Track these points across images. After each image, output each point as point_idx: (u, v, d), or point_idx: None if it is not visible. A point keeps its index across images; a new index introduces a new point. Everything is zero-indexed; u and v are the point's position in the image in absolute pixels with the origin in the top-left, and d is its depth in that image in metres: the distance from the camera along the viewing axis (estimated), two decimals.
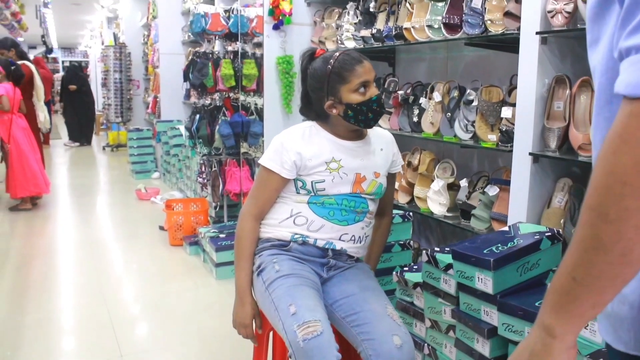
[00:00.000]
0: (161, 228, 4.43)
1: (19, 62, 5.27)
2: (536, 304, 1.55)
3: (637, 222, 0.60)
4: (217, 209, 4.09)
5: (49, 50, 13.86)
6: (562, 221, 1.96)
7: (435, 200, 2.49)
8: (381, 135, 1.83)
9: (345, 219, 1.71)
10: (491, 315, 1.66)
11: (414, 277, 2.04)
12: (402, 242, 2.41)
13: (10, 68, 4.89)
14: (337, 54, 1.64)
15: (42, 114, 5.38)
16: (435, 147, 2.82)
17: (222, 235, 3.53)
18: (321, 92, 1.65)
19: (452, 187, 2.54)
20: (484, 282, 1.64)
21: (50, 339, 2.60)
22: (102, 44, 11.05)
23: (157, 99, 6.78)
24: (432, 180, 2.55)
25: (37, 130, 5.56)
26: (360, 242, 1.76)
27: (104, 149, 9.28)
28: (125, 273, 3.54)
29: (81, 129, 9.92)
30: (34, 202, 5.19)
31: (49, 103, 9.94)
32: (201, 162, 4.07)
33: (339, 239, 1.71)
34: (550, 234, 1.72)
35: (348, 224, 1.71)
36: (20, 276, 3.44)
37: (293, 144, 1.68)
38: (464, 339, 1.76)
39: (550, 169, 2.05)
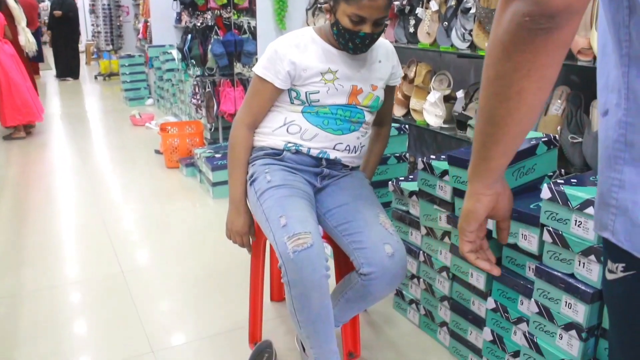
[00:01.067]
0: (157, 152, 4.42)
1: None
2: (531, 206, 1.56)
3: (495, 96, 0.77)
4: (212, 130, 4.06)
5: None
6: (558, 128, 1.94)
7: (431, 112, 2.46)
8: (381, 46, 1.75)
9: (340, 128, 1.68)
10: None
11: (409, 186, 2.04)
12: (398, 155, 2.41)
13: None
14: None
15: (23, 37, 5.20)
16: (431, 59, 2.76)
17: (217, 155, 3.52)
18: None
19: (449, 100, 2.51)
20: None
21: (51, 258, 2.64)
22: None
23: (148, 24, 6.59)
24: (428, 93, 2.51)
25: (26, 58, 5.43)
26: (355, 152, 1.74)
27: (95, 78, 9.11)
28: (123, 196, 3.56)
29: (68, 63, 9.51)
30: (27, 130, 5.14)
31: (36, 33, 9.65)
32: (195, 83, 4.00)
33: (333, 148, 1.70)
34: (546, 139, 1.71)
35: (343, 133, 1.69)
36: (18, 202, 3.46)
37: (287, 52, 1.63)
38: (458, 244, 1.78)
39: None
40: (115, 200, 3.46)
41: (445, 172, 1.80)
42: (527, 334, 1.52)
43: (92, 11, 8.79)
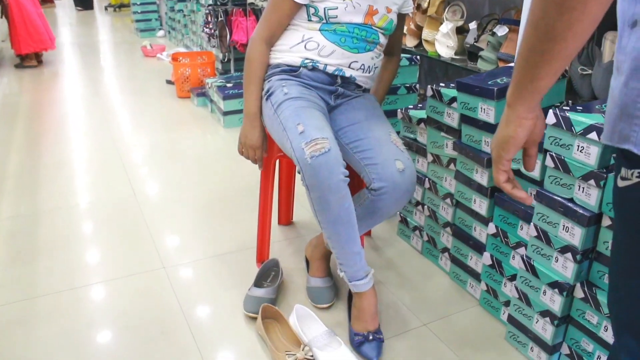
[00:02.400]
0: (168, 82, 4.42)
1: None
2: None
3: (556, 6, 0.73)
4: (224, 61, 4.04)
5: None
6: None
7: (443, 43, 2.43)
8: None
9: (356, 47, 1.70)
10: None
11: (418, 114, 2.06)
12: (408, 85, 2.41)
13: None
14: None
15: None
16: None
17: (229, 85, 3.52)
18: None
19: (461, 32, 2.48)
20: (487, 112, 1.66)
21: (65, 181, 2.70)
22: None
23: None
24: (441, 23, 2.48)
25: None
26: (369, 72, 1.77)
27: (105, 9, 8.99)
28: (135, 124, 3.59)
29: None
30: (39, 59, 5.14)
31: None
32: (207, 12, 3.95)
33: (349, 67, 1.71)
34: None
35: (358, 51, 1.71)
36: (32, 127, 3.51)
37: None
38: (464, 171, 1.81)
39: None
40: (127, 128, 3.50)
41: (453, 99, 1.81)
42: (524, 258, 1.57)
43: None
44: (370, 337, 1.61)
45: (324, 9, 1.65)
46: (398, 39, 1.95)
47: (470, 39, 2.36)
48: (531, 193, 1.60)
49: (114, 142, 3.21)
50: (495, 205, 1.71)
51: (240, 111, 3.40)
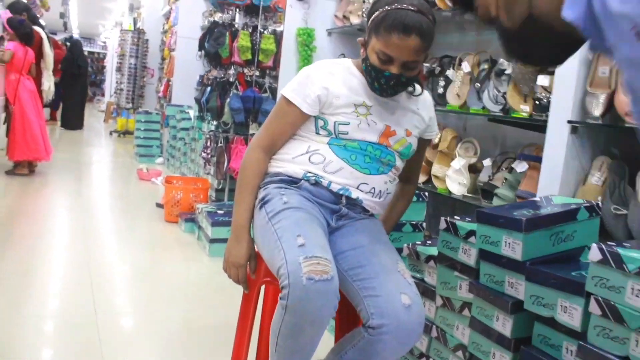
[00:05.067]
0: (158, 205, 4.23)
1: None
2: (572, 274, 1.33)
3: None
4: (219, 189, 3.89)
5: (70, 38, 13.83)
6: (599, 199, 1.74)
7: (454, 179, 2.27)
8: (420, 96, 1.63)
9: (367, 167, 1.50)
10: (517, 287, 1.43)
11: (427, 250, 1.82)
12: (414, 223, 2.20)
13: (18, 26, 4.75)
14: (399, 5, 1.37)
15: (47, 82, 5.23)
16: (457, 127, 2.61)
17: (220, 212, 3.32)
18: (366, 22, 1.49)
19: (474, 171, 2.33)
20: (512, 246, 1.42)
21: (27, 289, 2.39)
22: (121, 29, 10.97)
23: (170, 83, 6.63)
24: (452, 159, 2.34)
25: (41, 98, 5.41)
26: (379, 197, 1.55)
27: (110, 134, 9.13)
28: (114, 242, 3.33)
29: (74, 114, 9.61)
30: (31, 168, 5.01)
31: (57, 83, 9.84)
32: (207, 137, 3.88)
33: (357, 188, 1.50)
34: (588, 205, 1.51)
35: (370, 173, 1.50)
36: (3, 231, 3.24)
37: (321, 77, 1.49)
38: (481, 317, 1.53)
39: (589, 142, 1.84)
40: (105, 244, 3.24)
41: (470, 233, 1.59)
42: None
43: (119, 69, 8.94)
44: None
45: (334, 123, 1.48)
46: (417, 165, 1.77)
47: (484, 176, 2.21)
48: (568, 349, 1.30)
49: (88, 257, 2.92)
50: None
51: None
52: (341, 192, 1.49)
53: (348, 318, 1.49)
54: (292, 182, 1.51)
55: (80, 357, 1.90)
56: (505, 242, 1.44)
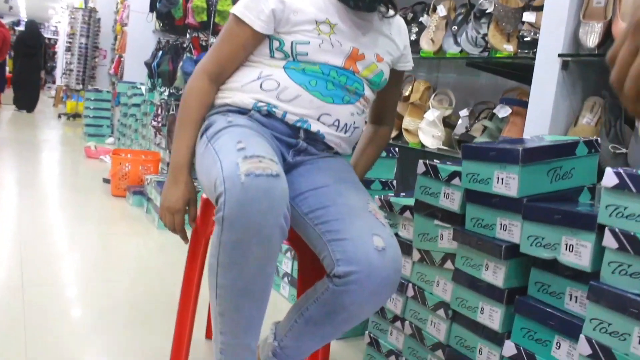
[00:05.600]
0: (105, 180, 3.91)
1: None
2: (577, 209, 1.13)
3: None
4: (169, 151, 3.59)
5: (16, 23, 13.16)
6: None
7: (428, 132, 2.07)
8: (394, 21, 1.40)
9: (330, 95, 1.26)
10: (511, 229, 1.23)
11: (401, 201, 1.61)
12: (383, 181, 1.99)
13: None
14: None
15: None
16: (431, 77, 2.41)
17: None
18: None
19: (449, 126, 2.13)
20: (506, 182, 1.22)
21: None
22: (72, 7, 10.44)
23: (122, 59, 6.25)
24: (426, 112, 2.13)
25: None
26: (344, 132, 1.31)
27: (59, 117, 8.63)
28: (50, 215, 3.01)
29: (27, 95, 9.24)
30: None
31: (2, 63, 9.31)
32: (158, 104, 3.58)
33: (318, 120, 1.26)
34: (587, 140, 1.32)
35: (333, 101, 1.26)
36: None
37: None
38: (467, 268, 1.32)
39: (581, 82, 1.66)
40: (41, 219, 2.91)
41: (454, 175, 1.38)
42: None
43: (69, 49, 8.45)
44: None
45: (292, 43, 1.24)
46: (391, 103, 1.54)
47: (460, 128, 2.01)
48: (572, 296, 1.11)
49: (20, 229, 2.60)
50: (517, 313, 1.20)
51: None
52: (298, 125, 1.25)
53: (312, 275, 1.26)
54: (240, 113, 1.27)
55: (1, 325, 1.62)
56: (498, 178, 1.24)
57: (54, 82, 15.40)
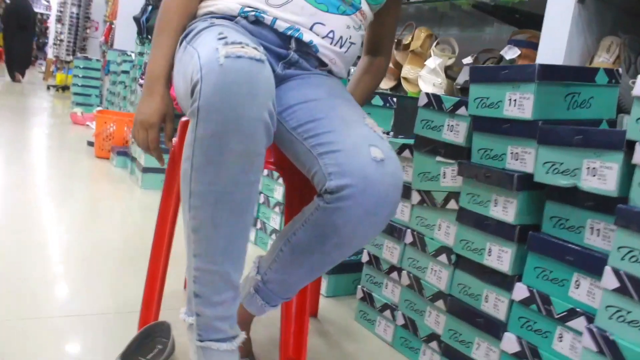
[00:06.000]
0: (89, 143, 3.76)
1: None
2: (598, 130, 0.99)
3: None
4: None
5: None
6: None
7: (428, 80, 1.92)
8: None
9: (324, 2, 1.11)
10: (524, 157, 1.09)
11: (398, 141, 1.47)
12: None
13: None
14: None
15: None
16: (433, 22, 2.27)
17: None
18: None
19: (451, 77, 1.99)
20: (520, 103, 1.08)
21: None
22: None
23: (113, 27, 6.05)
24: (427, 60, 1.98)
25: None
26: (340, 46, 1.16)
27: (48, 88, 8.42)
28: (32, 174, 2.85)
29: (18, 65, 9.10)
30: None
31: None
32: (146, 61, 3.41)
33: (310, 29, 1.11)
34: (608, 69, 1.18)
35: (328, 10, 1.11)
36: None
37: None
38: (473, 206, 1.19)
39: (597, 19, 1.52)
40: (22, 177, 2.75)
41: (459, 105, 1.24)
42: (595, 331, 0.90)
43: (59, 19, 8.23)
44: None
45: None
46: (388, 33, 1.39)
47: (463, 77, 1.86)
48: (593, 228, 0.97)
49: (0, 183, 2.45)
50: (530, 251, 1.07)
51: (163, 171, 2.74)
52: (289, 33, 1.10)
53: (301, 205, 1.12)
54: (225, 19, 1.12)
55: None
56: (510, 99, 1.10)
57: (45, 59, 15.12)
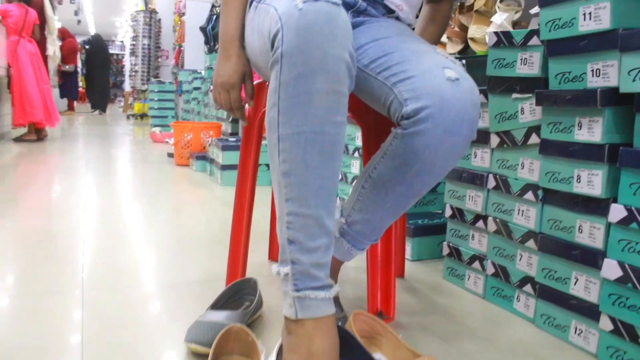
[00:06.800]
0: (169, 155, 3.92)
1: None
2: None
3: None
4: (231, 119, 3.54)
5: (87, 41, 13.78)
6: None
7: None
8: None
9: None
10: (606, 72, 1.04)
11: None
12: None
13: None
14: None
15: (51, 47, 4.96)
16: None
17: (232, 139, 2.98)
18: None
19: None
20: (595, 15, 1.04)
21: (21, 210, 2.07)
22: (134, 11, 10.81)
23: (182, 49, 6.33)
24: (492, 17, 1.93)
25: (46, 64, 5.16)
26: None
27: (128, 118, 8.88)
28: (122, 183, 3.01)
29: (100, 98, 9.87)
30: (39, 135, 4.74)
31: (74, 74, 9.75)
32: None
33: None
34: None
35: None
36: (9, 178, 2.95)
37: None
38: (556, 135, 1.14)
39: None
40: (114, 186, 2.91)
41: (530, 36, 1.20)
42: None
43: (133, 52, 8.69)
44: None
45: None
46: None
47: (533, 26, 1.79)
48: None
49: (84, 198, 2.61)
50: (623, 168, 1.01)
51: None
52: None
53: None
54: None
55: (61, 250, 1.57)
56: (584, 14, 1.05)
57: (123, 96, 16.01)
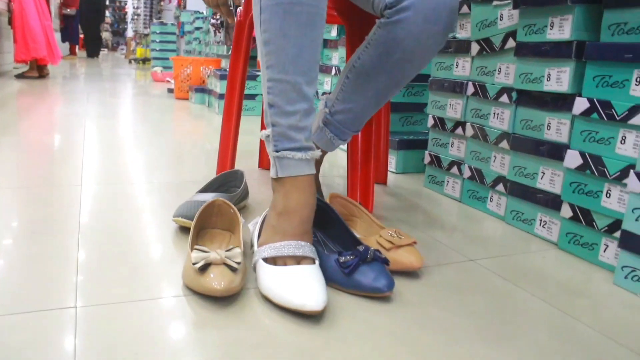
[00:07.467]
0: (170, 90, 3.97)
1: None
2: None
3: None
4: (228, 53, 3.56)
5: None
6: None
7: None
8: None
9: None
10: None
11: None
12: None
13: None
14: None
15: None
16: None
17: None
18: None
19: None
20: None
21: (21, 164, 2.14)
22: None
23: None
24: None
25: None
26: None
27: (130, 62, 8.87)
28: (117, 111, 3.06)
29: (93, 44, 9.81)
30: (41, 72, 4.77)
31: (76, 17, 9.67)
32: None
33: None
34: None
35: None
36: (11, 108, 3.02)
37: None
38: (529, 37, 1.19)
39: None
40: (118, 116, 2.97)
41: None
42: None
43: None
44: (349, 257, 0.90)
45: None
46: None
47: None
48: None
49: (84, 128, 2.67)
50: (588, 62, 1.07)
51: None
52: None
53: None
54: None
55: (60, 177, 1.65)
56: None
57: (125, 44, 15.87)
